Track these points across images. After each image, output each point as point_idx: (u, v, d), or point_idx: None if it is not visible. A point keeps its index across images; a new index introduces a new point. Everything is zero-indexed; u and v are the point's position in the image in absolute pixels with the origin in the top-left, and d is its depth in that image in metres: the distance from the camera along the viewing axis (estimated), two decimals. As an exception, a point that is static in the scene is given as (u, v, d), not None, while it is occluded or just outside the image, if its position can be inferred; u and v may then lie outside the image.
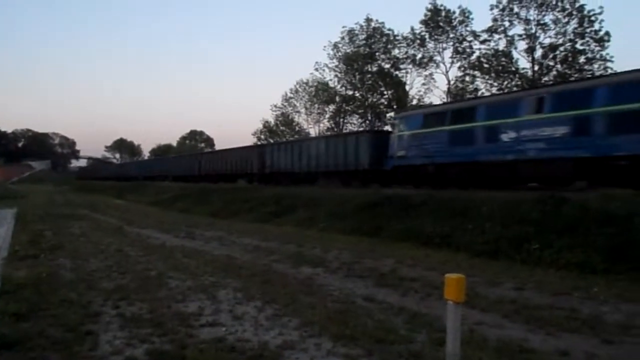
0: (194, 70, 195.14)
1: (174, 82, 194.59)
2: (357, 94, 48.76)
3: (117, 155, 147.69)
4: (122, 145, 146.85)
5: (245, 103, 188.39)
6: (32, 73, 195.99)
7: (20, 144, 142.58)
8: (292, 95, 56.54)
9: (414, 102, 44.57)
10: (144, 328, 5.58)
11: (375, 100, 47.72)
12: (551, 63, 36.38)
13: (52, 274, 8.56)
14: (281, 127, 57.64)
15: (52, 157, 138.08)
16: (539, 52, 36.81)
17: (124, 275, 8.62)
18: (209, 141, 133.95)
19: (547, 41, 36.31)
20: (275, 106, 57.96)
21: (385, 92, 46.89)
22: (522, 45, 37.29)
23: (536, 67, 36.85)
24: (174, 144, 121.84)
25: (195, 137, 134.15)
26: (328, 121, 53.42)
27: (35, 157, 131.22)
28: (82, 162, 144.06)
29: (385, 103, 47.24)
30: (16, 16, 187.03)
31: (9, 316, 5.76)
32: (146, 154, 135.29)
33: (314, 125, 55.51)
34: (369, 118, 48.17)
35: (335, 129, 50.19)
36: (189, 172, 43.80)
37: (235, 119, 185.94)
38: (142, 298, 6.95)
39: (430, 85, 44.77)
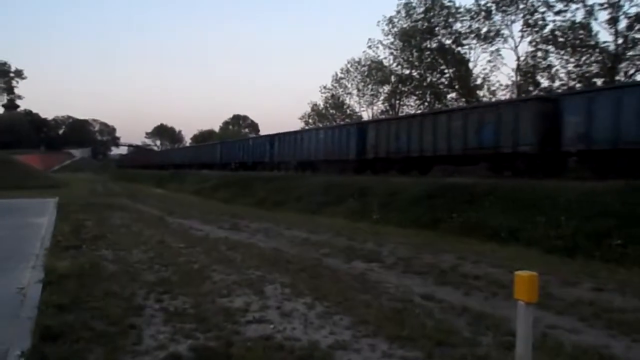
0: (236, 53, 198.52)
1: (215, 66, 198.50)
2: (415, 73, 48.10)
3: (158, 142, 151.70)
4: (162, 132, 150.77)
5: (292, 86, 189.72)
6: (72, 59, 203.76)
7: (60, 131, 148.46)
8: (342, 76, 56.38)
9: (478, 81, 43.64)
10: (188, 323, 5.74)
11: (434, 79, 46.94)
12: (637, 35, 34.72)
13: (94, 265, 8.91)
14: (331, 110, 57.68)
15: (92, 145, 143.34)
16: (623, 24, 35.13)
17: (167, 268, 8.88)
18: (254, 126, 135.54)
19: (633, 10, 34.64)
20: (325, 88, 58.06)
21: (446, 71, 46.05)
22: (603, 15, 35.69)
23: (620, 40, 35.25)
24: (216, 129, 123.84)
25: (239, 122, 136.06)
26: (382, 103, 53.08)
27: (75, 144, 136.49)
28: (123, 150, 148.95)
29: (446, 83, 46.42)
30: (55, 1, 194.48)
31: (53, 307, 6.04)
32: (187, 140, 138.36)
33: (366, 108, 55.27)
34: (428, 99, 47.50)
35: (390, 112, 49.79)
36: (259, 158, 38.90)
37: (280, 104, 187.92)
38: (185, 292, 7.15)
39: (497, 63, 43.61)
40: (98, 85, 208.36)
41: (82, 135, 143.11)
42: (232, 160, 43.93)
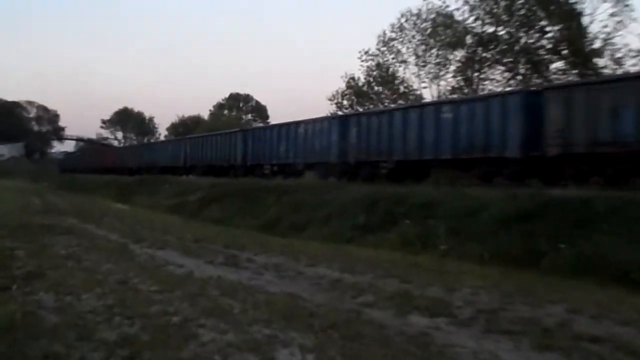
0: (231, 5, 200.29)
1: (203, 24, 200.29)
2: (502, 32, 47.92)
3: (120, 135, 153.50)
4: (125, 119, 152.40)
5: (317, 51, 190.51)
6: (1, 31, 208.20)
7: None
8: (394, 36, 56.22)
9: (597, 44, 43.24)
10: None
11: (531, 41, 46.65)
12: None
13: (28, 314, 9.02)
14: (376, 87, 57.56)
15: (25, 138, 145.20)
16: None
17: (132, 321, 8.94)
18: (260, 111, 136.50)
19: None
20: (367, 53, 57.83)
21: (548, 29, 45.76)
22: None
23: None
24: (205, 115, 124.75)
25: (238, 105, 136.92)
26: (453, 76, 52.87)
27: (1, 138, 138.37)
28: (69, 146, 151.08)
29: (549, 46, 46.09)
30: None
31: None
32: (163, 131, 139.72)
33: (429, 83, 55.10)
34: (521, 70, 47.20)
35: (466, 89, 49.56)
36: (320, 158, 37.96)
37: (300, 79, 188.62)
38: (159, 357, 7.19)
39: (625, 17, 43.20)
40: (34, 57, 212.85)
41: (11, 125, 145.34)
42: (198, 163, 49.00)
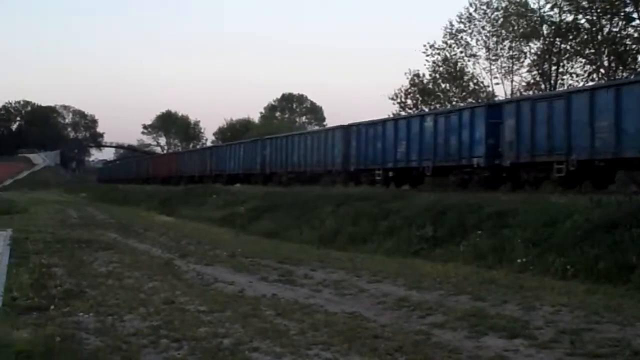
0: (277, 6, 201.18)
1: (248, 26, 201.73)
2: (583, 21, 47.29)
3: (162, 140, 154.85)
4: (169, 124, 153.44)
5: (378, 46, 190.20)
6: (31, 21, 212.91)
7: (14, 126, 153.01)
8: (462, 27, 55.76)
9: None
10: None
11: (615, 30, 45.97)
12: None
13: (68, 337, 9.22)
14: (442, 84, 57.18)
15: (61, 146, 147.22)
16: None
17: (180, 344, 9.07)
18: (315, 111, 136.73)
19: None
20: (432, 47, 57.41)
21: (634, 16, 45.02)
22: None
23: None
24: (255, 119, 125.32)
25: (291, 106, 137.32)
26: (529, 70, 52.30)
27: (36, 145, 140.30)
28: (108, 153, 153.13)
29: (636, 35, 45.35)
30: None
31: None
32: (209, 136, 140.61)
33: (501, 79, 54.56)
34: (605, 63, 46.50)
35: (544, 84, 48.99)
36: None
37: (360, 77, 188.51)
38: (210, 384, 7.25)
39: None
40: (70, 60, 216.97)
41: (47, 131, 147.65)
42: (281, 170, 46.85)
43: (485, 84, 55.68)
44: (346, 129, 39.04)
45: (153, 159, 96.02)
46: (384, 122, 35.94)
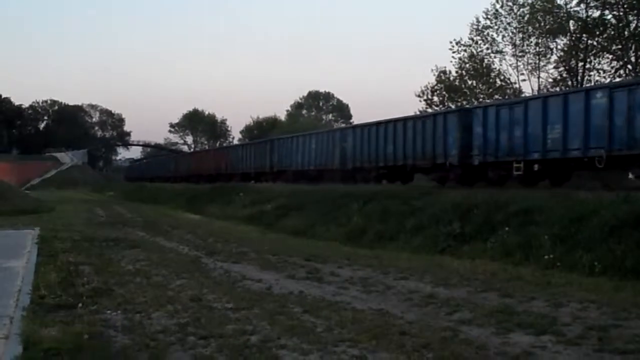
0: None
1: (275, 24, 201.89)
2: (610, 16, 46.94)
3: (189, 139, 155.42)
4: (196, 122, 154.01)
5: (406, 43, 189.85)
6: (59, 22, 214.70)
7: (42, 125, 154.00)
8: (488, 23, 55.51)
9: None
10: None
11: (644, 26, 45.62)
12: None
13: (96, 335, 9.30)
14: (469, 81, 56.95)
15: (89, 145, 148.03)
16: None
17: (207, 342, 9.12)
18: (341, 109, 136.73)
19: None
20: (458, 44, 57.20)
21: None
22: None
23: None
24: (282, 116, 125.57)
25: (318, 104, 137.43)
26: (556, 67, 51.99)
27: (64, 144, 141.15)
28: (135, 152, 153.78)
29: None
30: None
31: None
32: (236, 134, 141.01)
33: (528, 75, 54.29)
34: (631, 58, 46.15)
35: (570, 81, 48.67)
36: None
37: (387, 73, 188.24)
38: (238, 381, 7.28)
39: None
40: (97, 59, 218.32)
41: (74, 130, 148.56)
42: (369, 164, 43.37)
43: (512, 80, 55.40)
44: (466, 112, 33.35)
45: (196, 155, 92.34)
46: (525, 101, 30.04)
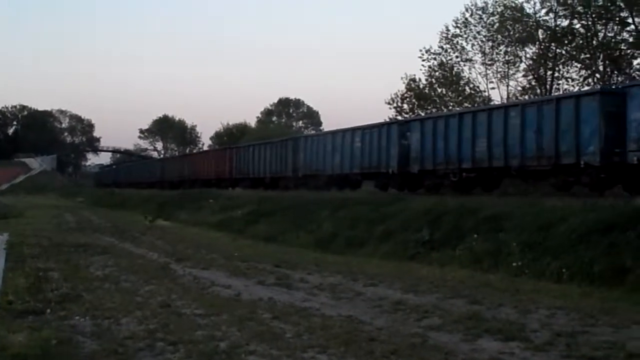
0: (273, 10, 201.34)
1: (246, 31, 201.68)
2: (578, 26, 47.40)
3: (159, 145, 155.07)
4: (166, 128, 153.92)
5: (376, 50, 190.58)
6: (27, 26, 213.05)
7: (10, 130, 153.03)
8: (458, 32, 55.84)
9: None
10: None
11: (611, 35, 46.08)
12: None
13: (64, 341, 9.24)
14: (439, 89, 57.24)
15: (57, 151, 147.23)
16: None
17: (176, 347, 9.08)
18: (311, 116, 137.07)
19: None
20: (428, 52, 57.50)
21: (630, 20, 45.14)
22: None
23: None
24: (252, 123, 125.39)
25: (288, 111, 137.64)
26: (524, 75, 52.41)
27: (33, 150, 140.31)
28: (105, 158, 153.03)
29: (631, 40, 45.45)
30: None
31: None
32: (206, 141, 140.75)
33: (497, 83, 54.67)
34: (600, 67, 46.62)
35: (539, 89, 49.07)
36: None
37: (358, 80, 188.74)
38: (206, 387, 7.25)
39: None
40: (67, 64, 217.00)
41: (43, 136, 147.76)
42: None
43: (482, 88, 55.73)
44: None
45: (192, 157, 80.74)
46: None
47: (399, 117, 52.76)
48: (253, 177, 51.39)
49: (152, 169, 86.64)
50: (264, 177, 49.08)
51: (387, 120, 46.68)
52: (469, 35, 54.88)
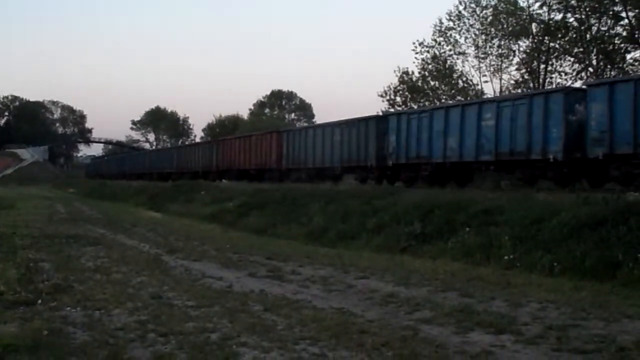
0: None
1: (239, 23, 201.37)
2: (572, 19, 47.41)
3: (151, 137, 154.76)
4: (158, 120, 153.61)
5: (367, 43, 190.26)
6: (19, 16, 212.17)
7: (2, 121, 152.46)
8: (451, 25, 55.84)
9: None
10: None
11: (604, 29, 46.11)
12: None
13: (55, 331, 9.23)
14: (432, 82, 57.25)
15: (49, 142, 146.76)
16: None
17: (167, 339, 9.07)
18: (304, 109, 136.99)
19: None
20: (421, 45, 57.50)
21: (623, 15, 45.16)
22: None
23: None
24: (245, 115, 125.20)
25: (281, 103, 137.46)
26: (518, 68, 52.44)
27: (24, 141, 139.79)
28: (97, 149, 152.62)
29: (624, 34, 45.49)
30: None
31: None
32: (198, 133, 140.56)
33: (490, 77, 54.71)
34: (594, 61, 46.66)
35: (532, 83, 49.10)
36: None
37: (351, 73, 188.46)
38: (197, 378, 7.26)
39: None
40: (59, 55, 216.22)
41: (35, 127, 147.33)
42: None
43: (475, 81, 55.88)
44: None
45: (226, 143, 60.43)
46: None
47: (392, 110, 52.83)
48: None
49: (143, 161, 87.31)
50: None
51: (382, 112, 46.92)
52: (462, 29, 55.11)
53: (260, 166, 49.44)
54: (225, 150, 56.95)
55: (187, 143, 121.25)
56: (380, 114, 42.20)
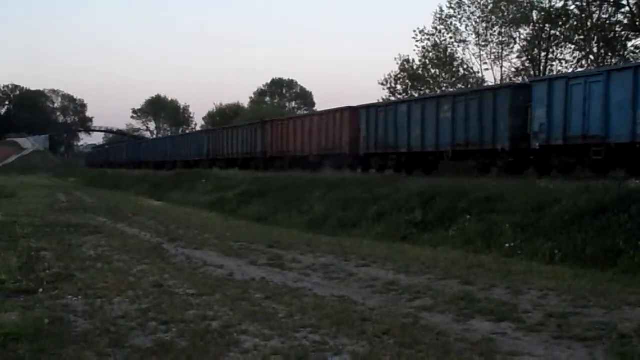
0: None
1: (239, 10, 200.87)
2: (572, 7, 47.31)
3: (152, 125, 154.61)
4: (159, 108, 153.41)
5: (369, 32, 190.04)
6: (22, 13, 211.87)
7: (2, 110, 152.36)
8: (451, 13, 55.75)
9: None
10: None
11: (605, 17, 46.00)
12: None
13: (57, 320, 9.24)
14: (432, 70, 57.16)
15: (50, 130, 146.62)
16: None
17: (168, 327, 9.09)
18: (305, 97, 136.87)
19: None
20: (422, 32, 57.40)
21: (624, 2, 45.05)
22: None
23: None
24: (245, 103, 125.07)
25: (281, 91, 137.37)
26: (518, 56, 52.35)
27: (25, 130, 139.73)
28: (97, 138, 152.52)
29: (625, 22, 45.39)
30: None
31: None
32: (199, 121, 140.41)
33: (491, 65, 54.65)
34: (593, 49, 46.56)
35: (533, 70, 49.03)
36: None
37: (351, 61, 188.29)
38: (198, 366, 7.26)
39: None
40: (60, 44, 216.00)
41: (36, 116, 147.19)
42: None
43: (475, 69, 55.82)
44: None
45: (275, 124, 49.29)
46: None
47: (392, 98, 52.81)
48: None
49: (160, 148, 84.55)
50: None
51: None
52: (463, 16, 55.01)
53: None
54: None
55: (191, 131, 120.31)
56: (382, 100, 42.31)
